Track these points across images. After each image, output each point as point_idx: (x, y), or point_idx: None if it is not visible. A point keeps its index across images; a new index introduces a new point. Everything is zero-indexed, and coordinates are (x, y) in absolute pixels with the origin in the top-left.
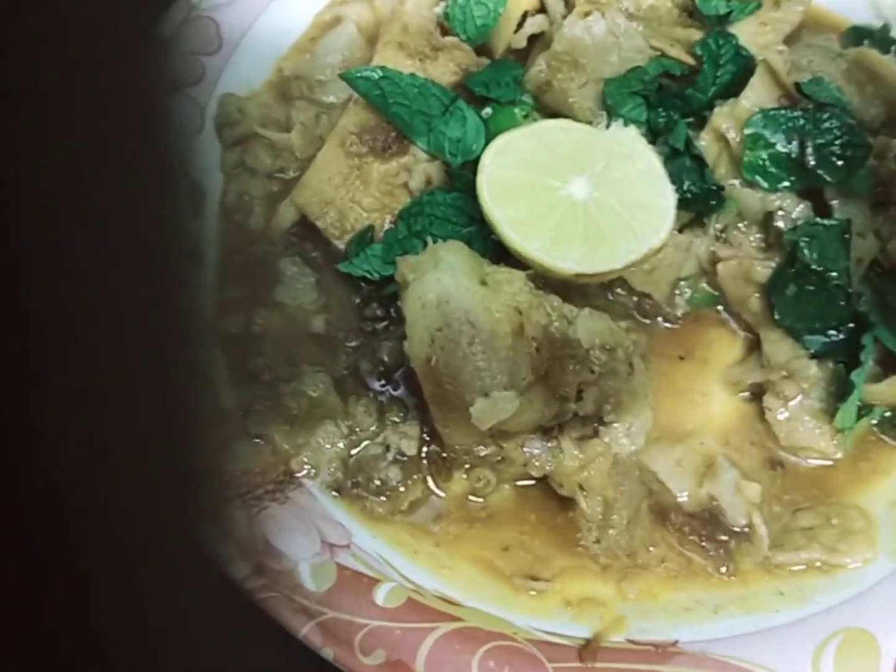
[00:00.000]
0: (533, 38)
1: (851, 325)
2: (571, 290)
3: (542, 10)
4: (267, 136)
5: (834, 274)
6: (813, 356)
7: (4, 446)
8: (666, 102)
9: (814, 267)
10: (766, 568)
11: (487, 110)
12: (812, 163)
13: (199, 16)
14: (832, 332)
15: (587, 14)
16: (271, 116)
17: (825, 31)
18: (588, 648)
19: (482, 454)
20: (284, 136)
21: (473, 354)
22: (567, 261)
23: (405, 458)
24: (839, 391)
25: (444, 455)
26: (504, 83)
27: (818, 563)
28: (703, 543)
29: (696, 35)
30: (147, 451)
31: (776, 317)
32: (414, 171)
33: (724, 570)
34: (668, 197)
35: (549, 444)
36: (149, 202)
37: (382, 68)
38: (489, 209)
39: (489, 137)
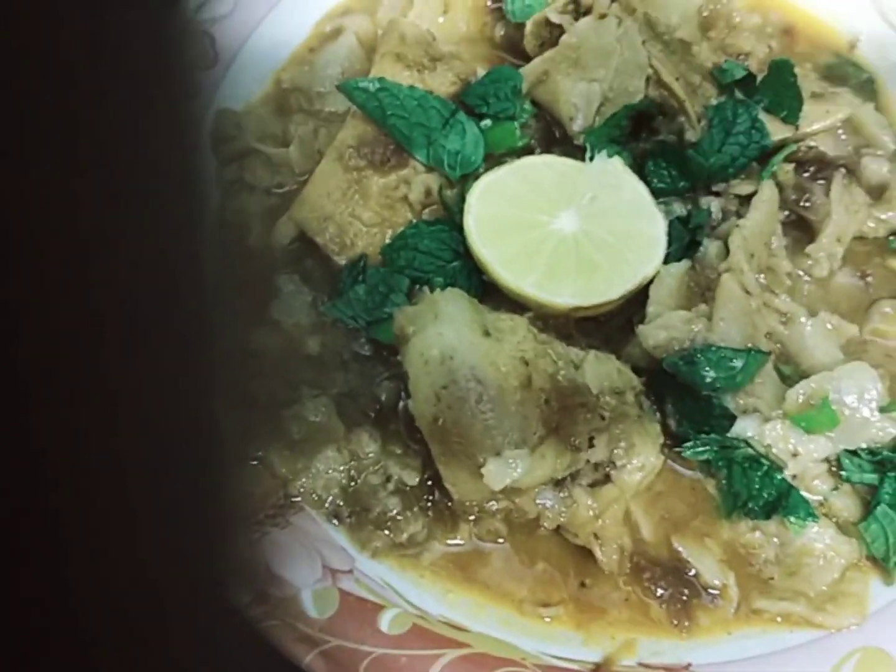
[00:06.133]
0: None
1: None
2: (571, 327)
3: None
4: (264, 151)
5: None
6: None
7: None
8: (668, 159)
9: None
10: (744, 612)
11: (486, 122)
12: None
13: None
14: None
15: (603, 16)
16: (268, 131)
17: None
18: None
19: (493, 509)
20: (282, 151)
21: (482, 412)
22: (562, 295)
23: (406, 489)
24: None
25: (449, 504)
26: (503, 95)
27: (796, 619)
28: (661, 594)
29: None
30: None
31: None
32: (413, 184)
33: (676, 622)
34: (658, 225)
35: (562, 495)
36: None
37: (380, 80)
38: (478, 249)
39: (488, 150)
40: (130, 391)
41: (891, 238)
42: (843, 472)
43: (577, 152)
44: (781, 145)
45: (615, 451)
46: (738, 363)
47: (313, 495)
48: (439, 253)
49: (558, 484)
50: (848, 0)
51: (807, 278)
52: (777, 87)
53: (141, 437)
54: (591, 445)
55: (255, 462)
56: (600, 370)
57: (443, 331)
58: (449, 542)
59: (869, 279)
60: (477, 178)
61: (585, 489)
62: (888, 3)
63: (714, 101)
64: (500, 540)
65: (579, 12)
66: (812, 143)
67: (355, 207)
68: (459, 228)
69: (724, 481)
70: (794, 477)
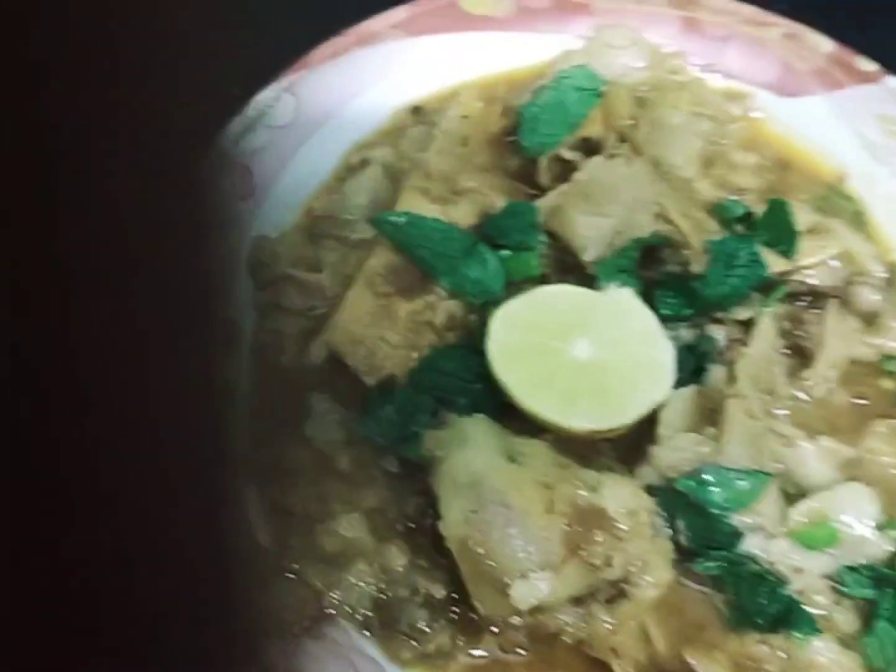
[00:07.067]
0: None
1: None
2: (588, 448)
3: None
4: (297, 277)
5: None
6: None
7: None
8: (674, 289)
9: None
10: None
11: (506, 252)
12: None
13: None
14: None
15: (613, 156)
16: (301, 256)
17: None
18: None
19: (517, 623)
20: (314, 276)
21: (510, 536)
22: (579, 419)
23: (433, 601)
24: None
25: (474, 617)
26: (520, 227)
27: None
28: None
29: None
30: (189, 591)
31: None
32: (438, 309)
33: None
34: (666, 351)
35: (581, 611)
36: (186, 339)
37: (407, 213)
38: (500, 374)
39: (507, 278)
40: (151, 513)
41: (883, 360)
42: (844, 588)
43: (589, 281)
44: (779, 278)
45: (630, 569)
46: (744, 484)
47: (346, 607)
48: (462, 375)
49: (578, 600)
50: (837, 136)
51: (805, 400)
52: (774, 224)
53: (163, 552)
54: (609, 565)
55: (290, 574)
56: (616, 492)
57: (470, 457)
58: (473, 652)
59: (863, 400)
60: (498, 304)
61: (603, 605)
62: (873, 139)
63: (716, 236)
64: (522, 651)
65: (590, 150)
66: (808, 275)
67: (384, 331)
68: (481, 352)
69: (732, 595)
70: (798, 592)
